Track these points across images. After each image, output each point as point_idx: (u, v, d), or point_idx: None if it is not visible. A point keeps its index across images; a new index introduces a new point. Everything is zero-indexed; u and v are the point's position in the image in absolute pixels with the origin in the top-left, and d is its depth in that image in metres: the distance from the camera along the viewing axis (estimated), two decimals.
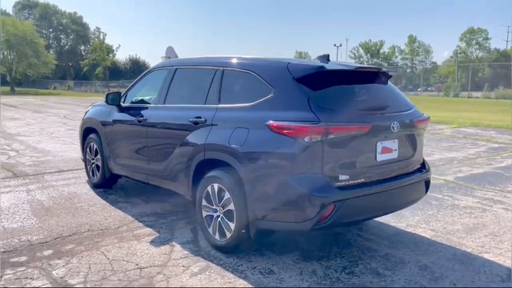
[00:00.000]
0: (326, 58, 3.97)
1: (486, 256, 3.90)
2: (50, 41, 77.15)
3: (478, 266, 3.69)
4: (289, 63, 3.66)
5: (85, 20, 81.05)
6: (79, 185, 6.17)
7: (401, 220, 4.80)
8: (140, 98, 5.31)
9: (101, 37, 60.43)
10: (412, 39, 75.80)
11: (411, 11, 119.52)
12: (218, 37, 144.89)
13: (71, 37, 79.24)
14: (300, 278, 3.44)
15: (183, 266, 3.64)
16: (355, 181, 3.44)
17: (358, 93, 3.71)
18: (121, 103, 5.32)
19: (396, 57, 78.18)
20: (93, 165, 5.96)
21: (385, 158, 3.64)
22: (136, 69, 63.72)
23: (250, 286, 3.32)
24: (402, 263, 3.72)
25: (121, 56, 77.75)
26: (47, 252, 3.88)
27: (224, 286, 3.31)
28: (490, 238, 4.32)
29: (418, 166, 4.07)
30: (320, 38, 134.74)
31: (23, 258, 3.75)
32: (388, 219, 4.79)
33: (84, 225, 4.57)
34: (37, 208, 5.11)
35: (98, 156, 5.76)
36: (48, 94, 44.66)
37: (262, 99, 3.62)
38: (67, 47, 79.64)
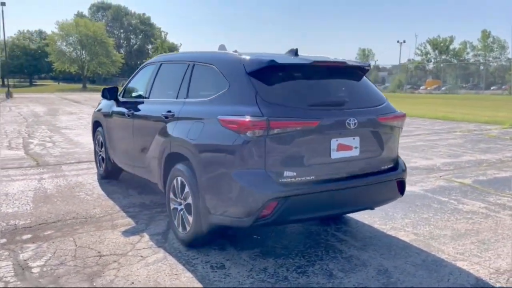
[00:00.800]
0: (294, 52, 3.88)
1: (459, 264, 3.61)
2: (121, 41, 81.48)
3: (444, 274, 3.42)
4: (245, 57, 3.61)
5: (152, 20, 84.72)
6: (89, 175, 6.49)
7: (388, 222, 4.57)
8: (137, 92, 5.48)
9: (163, 36, 62.81)
10: (486, 34, 71.05)
11: (486, 6, 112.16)
12: (277, 35, 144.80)
13: (140, 37, 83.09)
14: (248, 274, 3.39)
15: (141, 256, 3.72)
16: (303, 178, 3.30)
17: (311, 88, 3.55)
18: (119, 97, 5.52)
19: (468, 53, 73.85)
20: (99, 157, 6.24)
21: (343, 155, 3.47)
22: None
23: (194, 279, 3.33)
24: (363, 266, 3.55)
25: None
26: (26, 236, 4.13)
27: (168, 278, 3.35)
28: (475, 246, 3.99)
29: (389, 165, 3.83)
30: (386, 35, 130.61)
31: (2, 241, 4.02)
32: (374, 220, 4.59)
33: (72, 213, 4.80)
34: (39, 195, 5.44)
35: (103, 148, 6.03)
36: None
37: (219, 93, 3.61)
38: (135, 46, 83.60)
